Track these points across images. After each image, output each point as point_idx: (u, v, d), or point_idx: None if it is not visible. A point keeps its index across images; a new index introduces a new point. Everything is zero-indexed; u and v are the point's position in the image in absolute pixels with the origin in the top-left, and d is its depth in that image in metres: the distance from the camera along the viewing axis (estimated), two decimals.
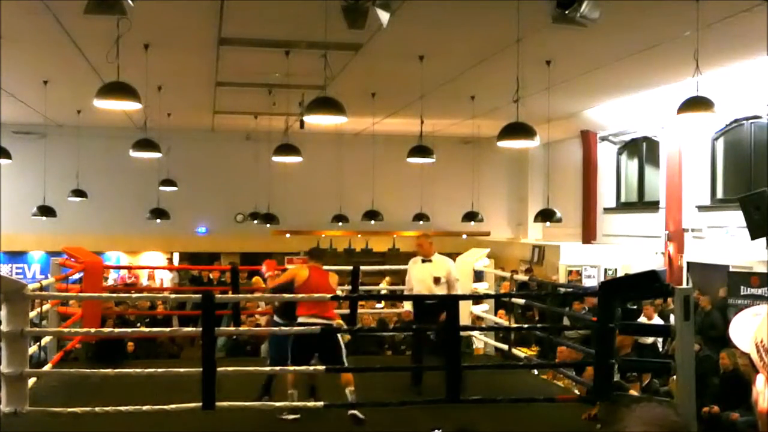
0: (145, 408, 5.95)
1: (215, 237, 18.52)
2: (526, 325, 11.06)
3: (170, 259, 19.23)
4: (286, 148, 11.26)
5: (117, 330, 9.18)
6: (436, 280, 7.52)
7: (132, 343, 10.23)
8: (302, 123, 11.21)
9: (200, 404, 5.90)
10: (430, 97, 11.44)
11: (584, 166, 16.67)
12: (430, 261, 7.64)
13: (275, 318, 7.02)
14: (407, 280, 7.90)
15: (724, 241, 12.09)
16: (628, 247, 14.86)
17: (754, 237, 8.14)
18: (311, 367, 6.46)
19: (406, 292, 8.02)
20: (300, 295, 6.41)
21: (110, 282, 16.03)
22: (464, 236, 17.96)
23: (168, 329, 9.73)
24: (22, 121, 15.87)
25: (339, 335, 6.62)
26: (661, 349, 10.21)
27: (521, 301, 10.71)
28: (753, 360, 1.37)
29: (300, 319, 6.52)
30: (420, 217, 15.92)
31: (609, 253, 15.18)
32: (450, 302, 6.69)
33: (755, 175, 11.57)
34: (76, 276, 9.67)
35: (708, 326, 10.22)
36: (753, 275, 11.12)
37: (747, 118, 11.95)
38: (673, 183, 13.43)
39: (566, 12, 5.75)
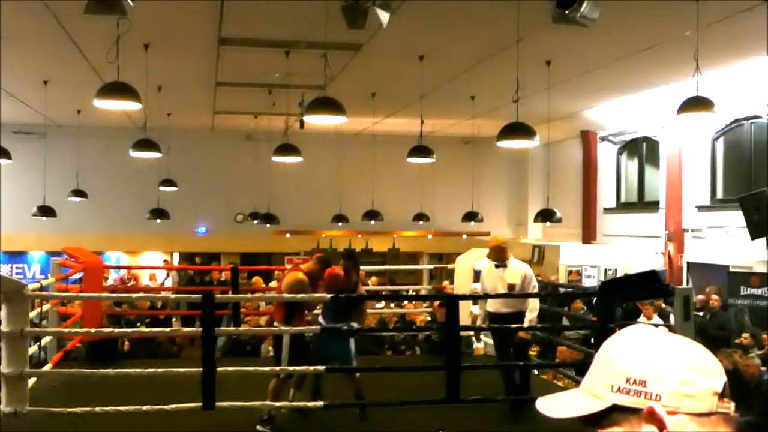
0: (145, 408, 5.95)
1: (215, 237, 18.52)
2: (526, 326, 11.03)
3: (166, 260, 19.19)
4: (286, 148, 11.26)
5: (117, 330, 9.18)
6: (511, 288, 7.07)
7: (128, 343, 10.23)
8: (302, 123, 11.21)
9: (200, 404, 5.90)
10: (430, 97, 11.44)
11: (584, 166, 16.66)
12: (504, 266, 7.16)
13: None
14: (480, 284, 7.48)
15: (724, 241, 12.09)
16: (628, 247, 14.85)
17: (754, 237, 8.15)
18: (311, 368, 6.46)
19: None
20: (300, 295, 6.40)
21: (110, 282, 16.02)
22: (464, 236, 17.96)
23: (168, 329, 9.74)
24: (22, 121, 15.86)
25: (285, 336, 6.46)
26: None
27: None
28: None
29: None
30: (420, 217, 15.91)
31: (609, 253, 15.17)
32: (450, 302, 6.69)
33: (755, 175, 11.56)
34: (76, 276, 9.68)
35: (716, 326, 10.23)
36: (753, 275, 11.12)
37: (747, 118, 11.94)
38: (673, 183, 13.42)
39: (566, 12, 5.75)
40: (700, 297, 10.58)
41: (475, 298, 7.62)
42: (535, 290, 7.30)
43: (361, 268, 9.30)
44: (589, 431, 1.11)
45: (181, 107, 13.88)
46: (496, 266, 7.21)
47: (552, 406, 1.14)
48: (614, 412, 1.08)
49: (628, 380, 1.08)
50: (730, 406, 1.08)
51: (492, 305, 7.25)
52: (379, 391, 7.04)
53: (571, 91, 11.86)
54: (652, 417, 1.05)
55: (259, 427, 6.25)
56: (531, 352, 10.33)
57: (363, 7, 6.04)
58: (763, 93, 10.91)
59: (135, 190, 16.68)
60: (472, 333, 8.78)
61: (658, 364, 1.08)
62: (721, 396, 1.07)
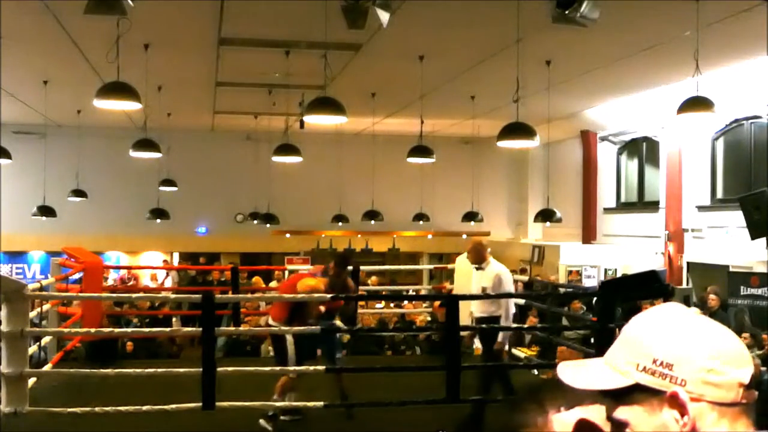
0: (145, 408, 5.96)
1: (215, 237, 18.52)
2: (526, 326, 11.06)
3: (166, 260, 19.18)
4: (286, 148, 11.26)
5: (117, 330, 9.18)
6: (483, 291, 7.09)
7: (131, 343, 10.23)
8: (302, 123, 11.22)
9: (200, 404, 5.90)
10: (430, 97, 11.44)
11: (584, 166, 16.66)
12: (482, 268, 7.24)
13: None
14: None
15: (724, 241, 12.09)
16: (628, 247, 14.85)
17: (754, 237, 8.15)
18: (311, 367, 6.47)
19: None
20: (300, 295, 6.40)
21: (110, 282, 16.03)
22: (464, 236, 17.96)
23: (168, 329, 9.74)
24: (22, 121, 15.86)
25: (286, 336, 6.46)
26: None
27: (521, 301, 10.71)
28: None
29: None
30: (420, 217, 15.91)
31: (609, 253, 15.17)
32: (450, 302, 6.70)
33: (755, 175, 11.56)
34: (76, 276, 9.68)
35: None
36: (753, 275, 11.12)
37: (747, 118, 11.94)
38: (673, 183, 13.43)
39: (566, 12, 5.75)
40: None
41: (474, 298, 7.61)
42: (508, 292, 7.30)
43: (361, 268, 9.33)
44: (608, 404, 1.09)
45: (181, 107, 13.88)
46: (476, 268, 7.26)
47: (575, 375, 1.12)
48: (636, 391, 1.07)
49: (654, 361, 1.06)
50: (754, 397, 1.06)
51: (472, 308, 7.31)
52: (380, 391, 7.04)
53: (571, 91, 11.86)
54: (674, 401, 1.04)
55: (261, 421, 6.25)
56: (531, 352, 10.36)
57: (363, 7, 6.04)
58: (763, 93, 10.91)
59: (135, 190, 16.68)
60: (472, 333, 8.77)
61: (686, 348, 1.06)
62: (747, 387, 1.05)
